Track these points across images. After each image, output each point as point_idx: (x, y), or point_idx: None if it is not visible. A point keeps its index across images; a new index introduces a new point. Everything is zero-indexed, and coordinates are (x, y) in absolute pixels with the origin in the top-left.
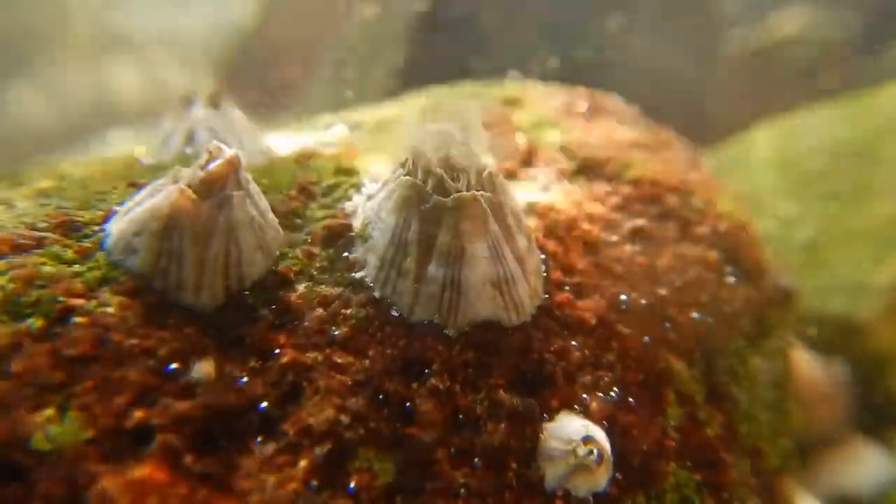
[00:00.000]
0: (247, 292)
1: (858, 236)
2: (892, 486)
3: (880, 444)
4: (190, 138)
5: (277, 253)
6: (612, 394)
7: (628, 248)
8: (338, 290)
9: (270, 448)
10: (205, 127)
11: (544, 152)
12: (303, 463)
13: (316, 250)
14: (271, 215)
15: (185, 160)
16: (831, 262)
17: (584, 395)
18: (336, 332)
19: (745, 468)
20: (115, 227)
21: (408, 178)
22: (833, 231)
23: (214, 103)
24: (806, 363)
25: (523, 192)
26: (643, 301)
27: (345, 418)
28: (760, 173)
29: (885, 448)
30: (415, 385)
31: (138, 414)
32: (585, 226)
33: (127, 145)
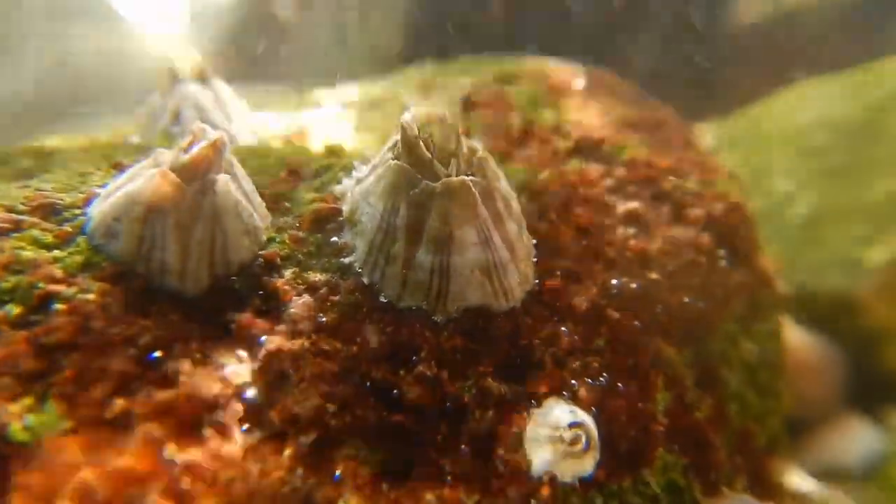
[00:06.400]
0: (233, 277)
1: (855, 213)
2: (882, 461)
3: (872, 420)
4: (177, 116)
5: (265, 237)
6: (601, 379)
7: (621, 231)
8: (325, 275)
9: (256, 436)
10: (192, 104)
11: (539, 132)
12: (288, 451)
13: (304, 235)
14: (258, 199)
15: (172, 139)
16: (828, 238)
17: (573, 381)
18: (323, 319)
19: (733, 449)
20: (97, 211)
21: (396, 161)
22: (830, 207)
23: (202, 78)
24: (799, 340)
25: (516, 174)
26: (634, 285)
27: (331, 406)
28: (760, 149)
29: (876, 423)
30: (402, 372)
31: (119, 403)
32: (578, 209)
33: (110, 123)
